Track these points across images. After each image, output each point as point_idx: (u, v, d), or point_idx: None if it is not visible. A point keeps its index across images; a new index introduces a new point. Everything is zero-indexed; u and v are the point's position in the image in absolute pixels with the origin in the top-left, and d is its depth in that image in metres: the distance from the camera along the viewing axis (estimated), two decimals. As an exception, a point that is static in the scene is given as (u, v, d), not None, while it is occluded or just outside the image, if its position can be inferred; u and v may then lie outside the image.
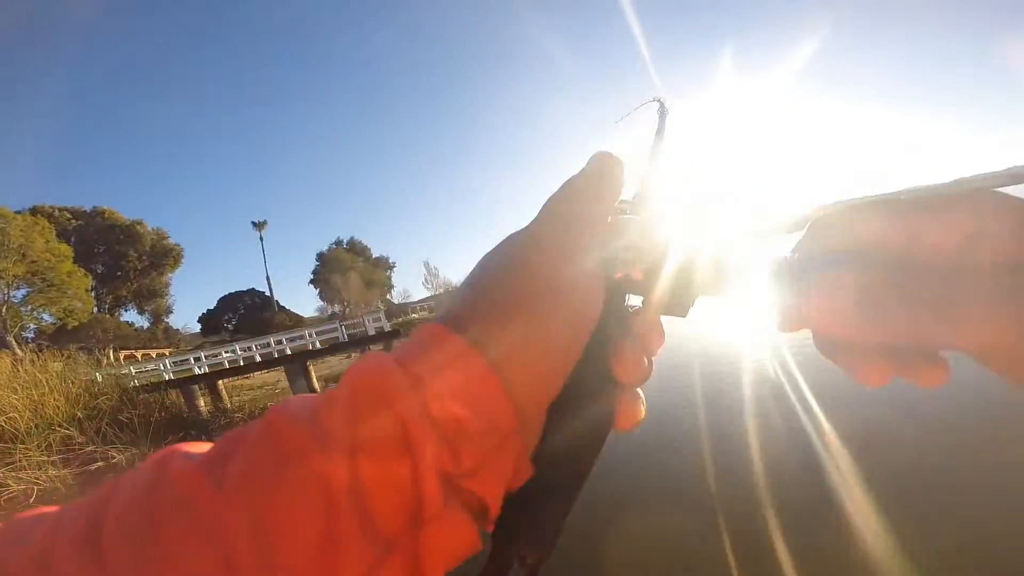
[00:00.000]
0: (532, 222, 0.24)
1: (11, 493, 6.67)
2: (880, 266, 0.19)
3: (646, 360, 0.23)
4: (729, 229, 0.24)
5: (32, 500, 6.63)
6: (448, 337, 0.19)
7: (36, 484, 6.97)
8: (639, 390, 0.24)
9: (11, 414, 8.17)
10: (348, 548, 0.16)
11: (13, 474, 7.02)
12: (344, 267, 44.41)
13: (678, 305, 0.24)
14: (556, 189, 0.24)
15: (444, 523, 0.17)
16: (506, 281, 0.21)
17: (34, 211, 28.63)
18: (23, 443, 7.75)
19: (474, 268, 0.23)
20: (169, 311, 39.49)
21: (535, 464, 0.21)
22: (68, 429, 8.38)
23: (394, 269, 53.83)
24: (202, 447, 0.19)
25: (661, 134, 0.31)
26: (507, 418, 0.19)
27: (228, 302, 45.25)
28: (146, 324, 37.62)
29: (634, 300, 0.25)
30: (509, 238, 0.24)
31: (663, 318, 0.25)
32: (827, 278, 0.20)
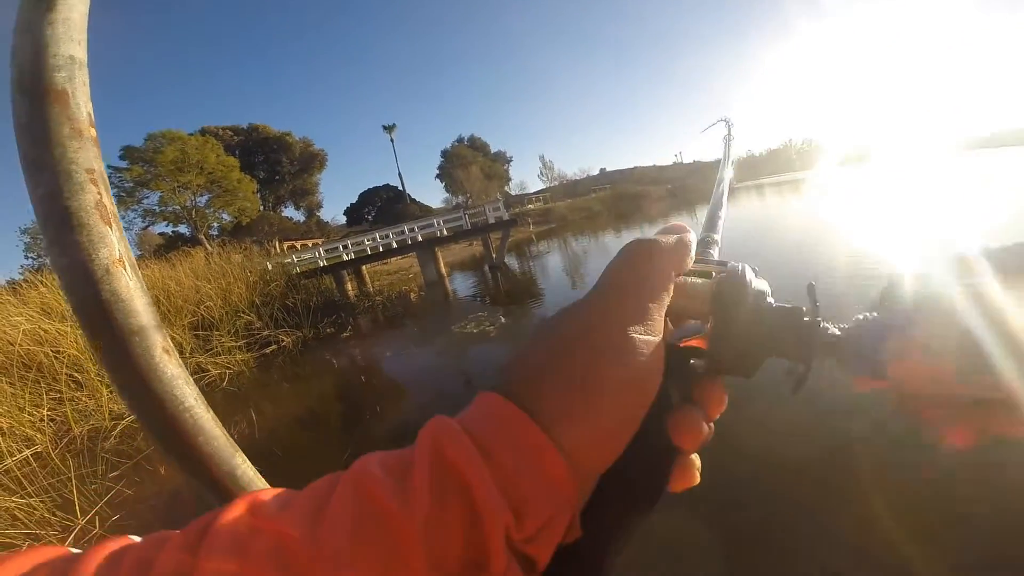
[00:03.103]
0: (593, 291, 0.24)
1: (210, 378, 7.49)
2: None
3: (707, 426, 0.23)
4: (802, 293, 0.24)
5: (224, 383, 7.41)
6: (512, 412, 0.20)
7: (228, 369, 7.82)
8: (696, 456, 0.24)
9: (208, 303, 9.26)
10: None
11: (212, 360, 7.90)
12: (466, 162, 45.98)
13: (745, 366, 0.24)
14: (618, 255, 0.24)
15: None
16: (566, 355, 0.21)
17: (203, 132, 33.33)
18: (217, 330, 8.74)
19: (535, 335, 0.23)
20: (319, 206, 44.70)
21: (585, 522, 0.21)
22: (249, 315, 9.38)
23: (511, 163, 54.08)
24: (281, 498, 0.20)
25: (727, 159, 0.34)
26: (566, 489, 0.20)
27: (367, 196, 49.62)
28: (302, 218, 43.21)
29: (697, 362, 0.25)
30: (571, 308, 0.23)
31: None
32: (914, 334, 0.21)
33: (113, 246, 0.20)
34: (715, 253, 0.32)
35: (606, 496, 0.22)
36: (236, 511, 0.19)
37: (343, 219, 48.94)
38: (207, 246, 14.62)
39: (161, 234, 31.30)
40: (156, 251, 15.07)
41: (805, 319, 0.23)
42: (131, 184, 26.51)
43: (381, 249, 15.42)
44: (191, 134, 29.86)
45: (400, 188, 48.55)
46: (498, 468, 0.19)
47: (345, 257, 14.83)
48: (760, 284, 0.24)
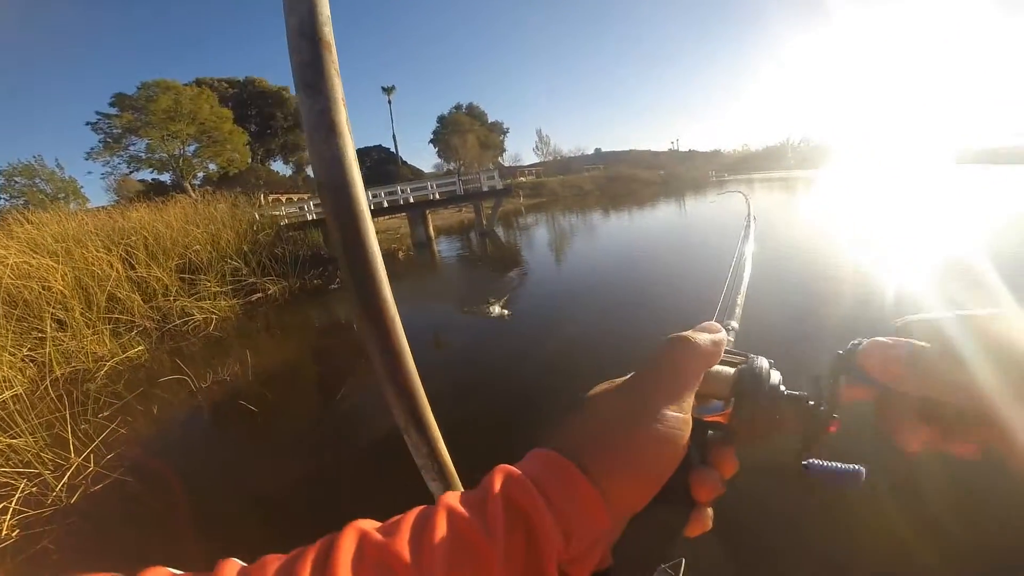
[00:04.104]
0: (638, 373, 0.29)
1: (195, 322, 7.46)
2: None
3: (721, 484, 0.28)
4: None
5: (211, 327, 7.38)
6: (567, 466, 0.26)
7: (213, 314, 7.76)
8: (710, 508, 0.29)
9: (195, 247, 9.21)
10: None
11: (197, 303, 7.87)
12: (463, 129, 45.13)
13: (756, 441, 0.29)
14: (662, 346, 0.30)
15: None
16: (613, 425, 0.27)
17: (198, 82, 32.30)
18: (204, 274, 8.69)
19: (587, 404, 0.29)
20: (308, 162, 43.69)
21: (614, 552, 0.27)
22: (236, 261, 9.39)
23: (507, 134, 53.28)
24: (384, 527, 0.25)
25: (747, 236, 0.49)
26: (605, 526, 0.25)
27: (358, 155, 48.33)
28: (290, 172, 42.37)
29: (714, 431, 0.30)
30: (620, 386, 0.29)
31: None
32: (890, 342, 0.28)
33: (352, 149, 0.33)
34: (733, 338, 0.38)
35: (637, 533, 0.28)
36: (349, 539, 0.23)
37: (332, 177, 48.17)
38: (191, 194, 14.44)
39: (142, 181, 30.59)
40: (136, 197, 14.73)
41: (810, 403, 0.28)
42: (119, 131, 26.11)
43: (372, 208, 15.34)
44: (186, 84, 29.20)
45: (393, 150, 47.71)
46: (554, 508, 0.24)
47: (335, 213, 14.82)
48: (775, 376, 0.29)
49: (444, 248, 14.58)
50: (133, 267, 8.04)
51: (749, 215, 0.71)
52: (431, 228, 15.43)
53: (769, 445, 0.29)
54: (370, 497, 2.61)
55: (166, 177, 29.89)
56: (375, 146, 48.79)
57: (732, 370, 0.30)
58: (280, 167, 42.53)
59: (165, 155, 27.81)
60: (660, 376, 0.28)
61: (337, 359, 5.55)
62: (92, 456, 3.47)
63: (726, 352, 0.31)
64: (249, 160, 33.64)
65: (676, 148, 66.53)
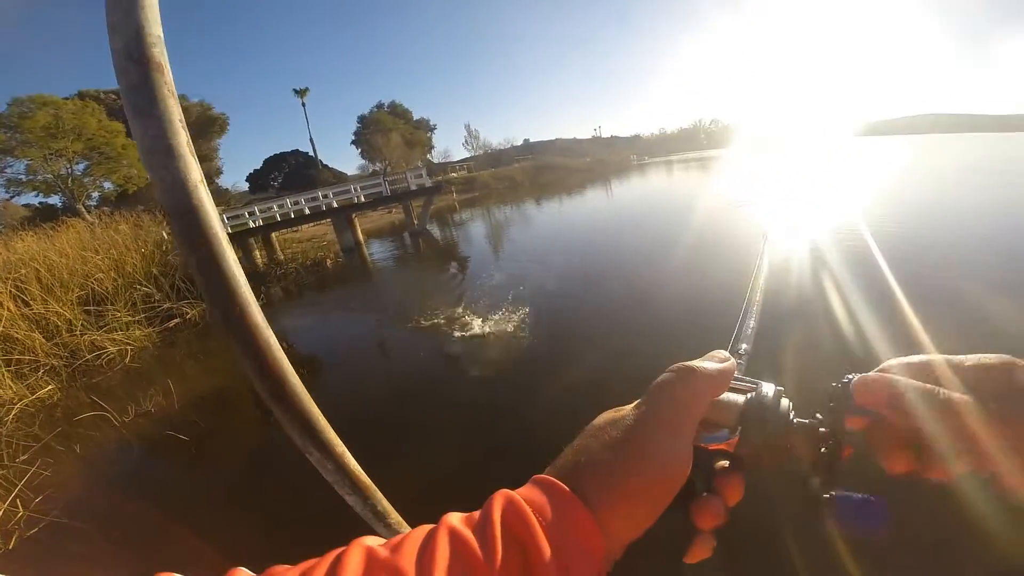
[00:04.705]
0: (640, 403, 0.30)
1: (109, 355, 6.94)
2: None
3: (724, 511, 0.29)
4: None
5: (127, 359, 6.91)
6: (565, 493, 0.27)
7: (128, 345, 7.24)
8: (711, 535, 0.29)
9: (97, 275, 8.46)
10: None
11: (108, 336, 7.29)
12: (385, 128, 43.92)
13: (764, 469, 0.30)
14: (665, 376, 0.31)
15: None
16: (612, 453, 0.28)
17: (81, 95, 28.97)
18: (111, 304, 8.05)
19: (588, 432, 0.30)
20: (219, 172, 40.82)
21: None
22: (147, 287, 8.74)
23: (435, 131, 52.51)
24: (388, 544, 0.26)
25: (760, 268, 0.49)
26: (601, 554, 0.26)
27: (273, 162, 45.89)
28: (200, 186, 39.34)
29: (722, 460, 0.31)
30: (620, 415, 0.30)
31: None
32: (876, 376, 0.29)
33: (197, 171, 0.30)
34: (744, 363, 0.38)
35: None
36: (356, 555, 0.25)
37: (245, 185, 45.28)
38: (86, 217, 13.11)
39: (27, 206, 27.19)
40: (22, 224, 13.15)
41: (822, 430, 0.29)
42: (-11, 153, 22.81)
43: (292, 216, 14.77)
44: (66, 98, 26.11)
45: (311, 154, 45.57)
46: (551, 536, 0.25)
47: (252, 224, 14.04)
48: (784, 403, 0.30)
49: (376, 251, 14.37)
50: (28, 303, 7.30)
51: (764, 238, 0.67)
52: (359, 232, 15.12)
53: (782, 472, 0.29)
54: (321, 517, 2.69)
55: (56, 200, 26.70)
56: (292, 151, 46.32)
57: (741, 398, 0.31)
58: (188, 180, 39.33)
59: (50, 176, 24.77)
60: (661, 407, 0.29)
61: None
62: (19, 501, 3.33)
63: (736, 379, 0.32)
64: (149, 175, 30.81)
65: (599, 135, 68.95)
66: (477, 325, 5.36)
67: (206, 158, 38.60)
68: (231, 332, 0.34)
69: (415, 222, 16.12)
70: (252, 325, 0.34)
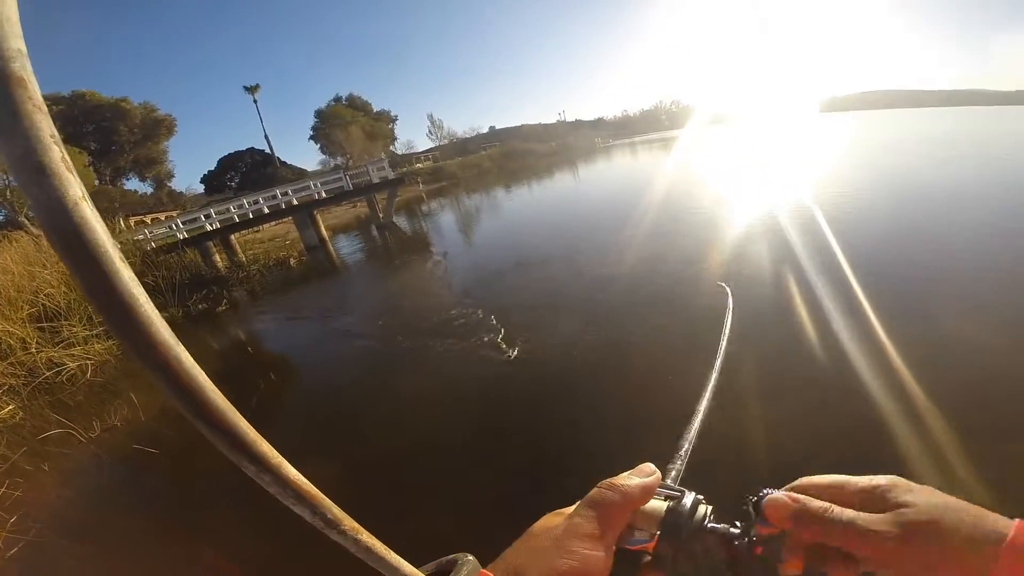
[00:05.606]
0: (575, 513, 0.34)
1: (70, 371, 6.72)
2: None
3: None
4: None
5: (88, 375, 6.72)
6: None
7: (88, 359, 7.02)
8: None
9: (48, 291, 8.13)
10: None
11: (67, 352, 7.03)
12: (344, 121, 42.75)
13: (682, 570, 0.33)
14: (593, 494, 0.35)
15: None
16: (539, 554, 0.32)
17: None
18: (65, 319, 7.74)
19: (525, 536, 0.35)
20: (171, 176, 39.16)
21: None
22: None
23: (396, 122, 51.48)
24: None
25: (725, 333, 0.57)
26: None
27: (229, 162, 44.14)
28: (150, 190, 37.67)
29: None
30: (555, 522, 0.34)
31: None
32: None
33: (77, 187, 0.22)
34: (675, 472, 0.43)
35: None
36: None
37: (200, 188, 43.46)
38: (31, 230, 12.45)
39: (-38, 221, 25.42)
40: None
41: (733, 532, 0.34)
42: (-91, 167, 21.10)
43: (251, 216, 14.39)
44: None
45: (268, 151, 44.03)
46: None
47: (209, 227, 13.63)
48: (700, 510, 0.35)
49: (344, 247, 14.18)
50: (-26, 325, 6.98)
51: (730, 304, 0.63)
52: (323, 229, 14.88)
53: (699, 569, 0.33)
54: (298, 521, 2.79)
55: (-3, 213, 25.11)
56: (247, 149, 44.61)
57: (664, 506, 0.35)
58: (137, 185, 37.53)
59: (-15, 188, 23.28)
60: (584, 518, 0.33)
61: (240, 381, 5.30)
62: (-9, 522, 3.27)
63: (662, 487, 0.37)
64: (96, 182, 29.32)
65: (564, 119, 68.99)
66: (446, 318, 5.46)
67: (155, 161, 36.90)
68: (138, 355, 0.28)
69: (380, 215, 15.94)
70: (158, 343, 0.28)
